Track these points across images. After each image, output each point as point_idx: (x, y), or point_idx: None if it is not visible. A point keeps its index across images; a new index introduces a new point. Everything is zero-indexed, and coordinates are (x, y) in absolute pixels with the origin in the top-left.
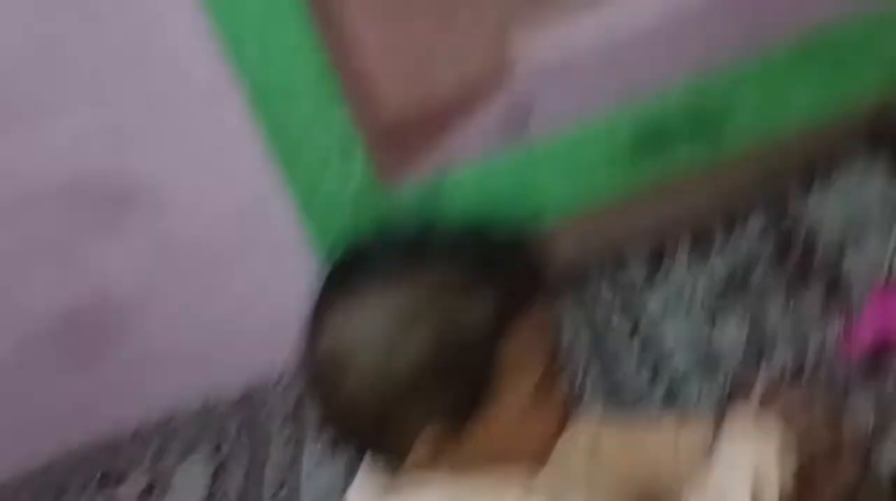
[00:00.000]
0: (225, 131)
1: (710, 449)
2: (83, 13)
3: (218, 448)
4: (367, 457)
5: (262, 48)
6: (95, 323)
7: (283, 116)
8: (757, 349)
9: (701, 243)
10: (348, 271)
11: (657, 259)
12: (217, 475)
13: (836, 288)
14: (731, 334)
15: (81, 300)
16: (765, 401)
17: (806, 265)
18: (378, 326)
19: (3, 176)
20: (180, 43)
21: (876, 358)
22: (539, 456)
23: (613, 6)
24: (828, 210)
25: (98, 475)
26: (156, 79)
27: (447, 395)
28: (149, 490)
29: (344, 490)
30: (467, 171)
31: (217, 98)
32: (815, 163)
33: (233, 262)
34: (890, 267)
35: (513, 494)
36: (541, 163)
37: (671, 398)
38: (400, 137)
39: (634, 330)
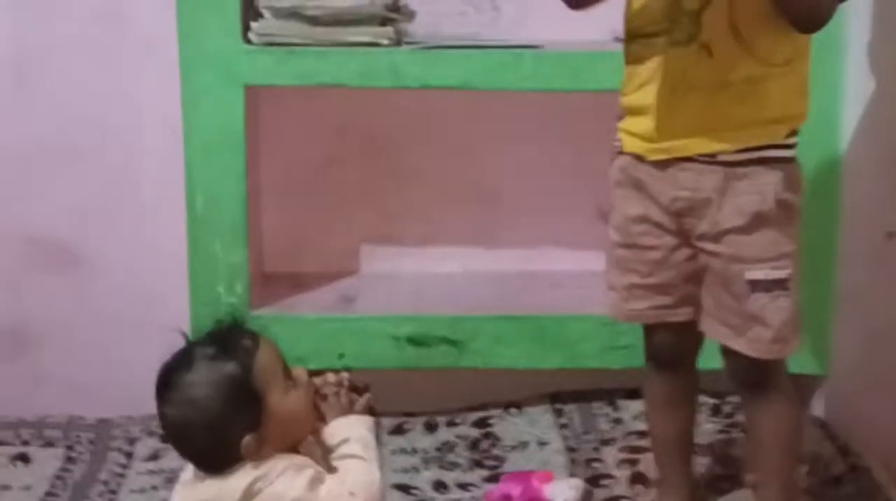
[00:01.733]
0: (160, 235)
1: None
2: None
3: (70, 447)
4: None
5: (212, 197)
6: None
7: (207, 237)
8: None
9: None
10: (184, 361)
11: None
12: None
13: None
14: None
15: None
16: None
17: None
18: (199, 402)
19: None
20: (152, 181)
21: None
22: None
23: (431, 256)
24: (510, 430)
25: None
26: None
27: (246, 418)
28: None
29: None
30: (307, 318)
31: (167, 217)
32: (515, 400)
33: (131, 322)
34: None
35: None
36: (354, 328)
37: None
38: (270, 285)
39: None
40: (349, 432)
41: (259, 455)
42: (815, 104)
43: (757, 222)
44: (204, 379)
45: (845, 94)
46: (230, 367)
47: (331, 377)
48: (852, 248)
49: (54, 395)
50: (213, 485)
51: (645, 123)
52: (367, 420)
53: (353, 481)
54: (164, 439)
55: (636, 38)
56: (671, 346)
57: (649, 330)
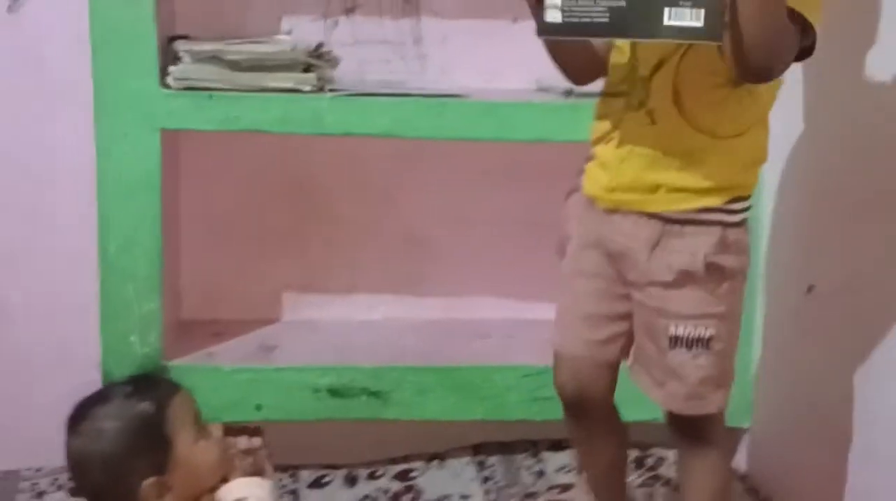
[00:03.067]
0: (76, 282)
1: None
2: None
3: None
4: None
5: (126, 242)
6: None
7: (120, 284)
8: None
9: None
10: (100, 397)
11: (324, 473)
12: None
13: None
14: None
15: None
16: None
17: None
18: (108, 434)
19: None
20: (69, 226)
21: None
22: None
23: (354, 304)
24: (432, 483)
25: None
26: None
27: (151, 459)
28: None
29: None
30: (224, 369)
31: (80, 262)
32: (438, 452)
33: (41, 370)
34: None
35: None
36: (273, 379)
37: None
38: (187, 333)
39: None
40: (248, 491)
41: None
42: None
43: (684, 280)
44: (115, 413)
45: None
46: (144, 406)
47: (242, 442)
48: (774, 302)
49: None
50: None
51: (600, 176)
52: (267, 484)
53: None
54: (72, 490)
55: (604, 96)
56: (579, 387)
57: (559, 365)
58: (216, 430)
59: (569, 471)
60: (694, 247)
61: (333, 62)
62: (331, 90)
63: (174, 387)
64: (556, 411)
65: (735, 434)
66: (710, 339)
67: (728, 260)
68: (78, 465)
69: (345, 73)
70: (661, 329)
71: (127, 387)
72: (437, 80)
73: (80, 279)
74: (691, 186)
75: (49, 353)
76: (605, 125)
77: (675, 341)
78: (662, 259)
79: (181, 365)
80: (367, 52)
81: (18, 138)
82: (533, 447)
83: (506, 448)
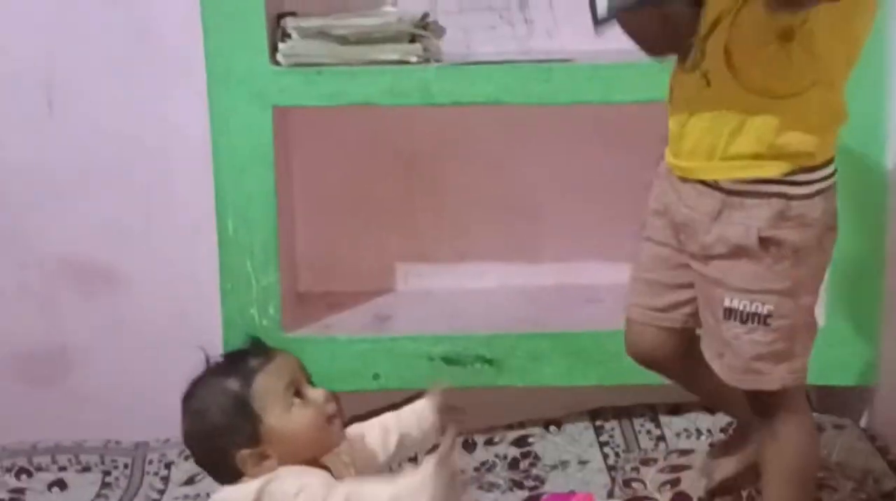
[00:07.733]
0: (194, 255)
1: None
2: None
3: (107, 473)
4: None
5: (242, 217)
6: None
7: (239, 258)
8: None
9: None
10: (200, 377)
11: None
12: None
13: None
14: None
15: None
16: None
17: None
18: (200, 414)
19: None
20: (185, 201)
21: None
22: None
23: (466, 273)
24: (549, 448)
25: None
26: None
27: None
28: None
29: None
30: (341, 339)
31: (197, 237)
32: (554, 418)
33: (166, 344)
34: None
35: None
36: (388, 348)
37: None
38: (304, 305)
39: None
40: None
41: (259, 469)
42: (859, 107)
43: (738, 254)
44: (206, 392)
45: (890, 96)
46: (229, 383)
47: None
48: None
49: (91, 419)
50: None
51: (671, 143)
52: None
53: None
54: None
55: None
56: (644, 352)
57: (627, 330)
58: (318, 396)
59: (689, 436)
60: (748, 220)
61: (439, 32)
62: (437, 60)
63: (268, 358)
64: None
65: (862, 393)
66: (767, 316)
67: (790, 235)
68: (185, 443)
69: (451, 43)
70: (717, 299)
71: (221, 365)
72: (543, 45)
73: (199, 254)
74: (745, 152)
75: (171, 327)
76: (672, 89)
77: (729, 313)
78: (720, 231)
79: (299, 337)
80: (472, 19)
81: (135, 116)
82: (651, 411)
83: (623, 412)
